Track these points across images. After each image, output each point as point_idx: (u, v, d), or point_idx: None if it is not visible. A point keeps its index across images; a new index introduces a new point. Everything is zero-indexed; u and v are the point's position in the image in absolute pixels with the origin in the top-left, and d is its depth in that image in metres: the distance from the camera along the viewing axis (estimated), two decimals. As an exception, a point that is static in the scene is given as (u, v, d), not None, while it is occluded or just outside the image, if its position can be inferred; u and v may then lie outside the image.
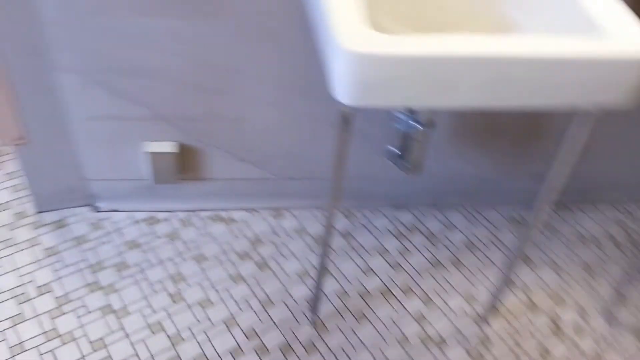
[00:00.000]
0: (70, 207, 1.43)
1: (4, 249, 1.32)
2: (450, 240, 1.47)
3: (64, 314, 1.22)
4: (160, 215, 1.45)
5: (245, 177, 1.43)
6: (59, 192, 1.39)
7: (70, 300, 1.24)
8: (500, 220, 1.53)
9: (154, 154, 1.32)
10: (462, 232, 1.49)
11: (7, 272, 1.27)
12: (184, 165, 1.39)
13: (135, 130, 1.30)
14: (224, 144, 1.36)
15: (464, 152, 1.44)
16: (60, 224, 1.39)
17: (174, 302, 1.27)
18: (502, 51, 0.78)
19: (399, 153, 1.23)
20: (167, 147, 1.32)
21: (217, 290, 1.30)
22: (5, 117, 1.21)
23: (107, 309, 1.24)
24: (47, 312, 1.22)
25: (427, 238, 1.47)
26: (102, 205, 1.44)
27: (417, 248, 1.44)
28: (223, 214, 1.47)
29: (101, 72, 1.19)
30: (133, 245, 1.37)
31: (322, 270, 1.20)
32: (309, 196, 1.49)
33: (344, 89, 0.80)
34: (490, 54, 0.78)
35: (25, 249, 1.33)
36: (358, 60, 0.76)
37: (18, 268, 1.29)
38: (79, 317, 1.22)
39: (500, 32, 0.98)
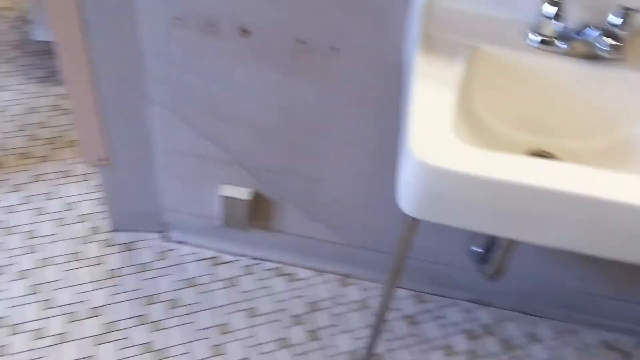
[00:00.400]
0: (142, 231, 1.43)
1: (70, 261, 1.34)
2: (529, 355, 1.29)
3: (106, 342, 1.20)
4: (226, 257, 1.40)
5: (316, 237, 1.36)
6: (134, 214, 1.39)
7: (116, 329, 1.23)
8: (594, 343, 1.33)
9: (227, 198, 1.28)
10: (545, 349, 1.30)
11: (67, 287, 1.29)
12: (256, 213, 1.34)
13: (214, 171, 1.27)
14: (299, 201, 1.29)
15: (564, 260, 1.25)
16: (129, 247, 1.39)
17: (214, 354, 1.21)
18: (610, 193, 0.63)
19: (481, 253, 1.09)
20: (241, 193, 1.28)
21: (259, 352, 1.23)
22: (91, 138, 1.22)
23: (148, 347, 1.21)
24: (92, 337, 1.21)
25: (503, 346, 1.30)
26: (173, 235, 1.42)
27: (489, 355, 1.28)
28: (288, 269, 1.40)
29: (190, 111, 1.17)
30: (191, 283, 1.34)
31: (369, 358, 1.09)
32: (380, 269, 1.38)
33: (407, 198, 0.69)
34: (594, 194, 0.63)
35: (90, 266, 1.34)
36: (426, 173, 0.66)
37: (78, 285, 1.30)
38: (119, 349, 1.20)
39: (622, 161, 0.82)
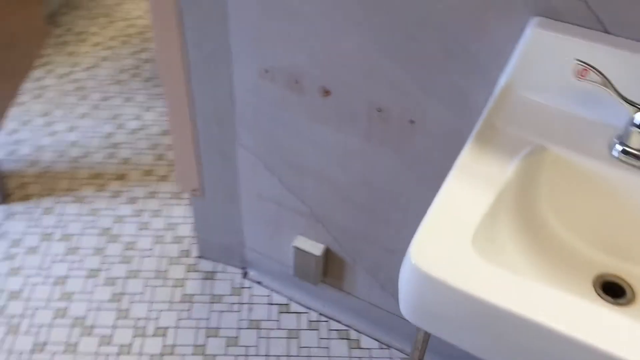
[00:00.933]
0: (225, 264, 1.48)
1: (154, 278, 1.43)
2: None
3: (159, 364, 1.26)
4: (295, 306, 1.39)
5: (385, 307, 1.29)
6: (219, 246, 1.45)
7: (173, 354, 1.28)
8: None
9: (299, 249, 1.28)
10: None
11: (143, 302, 1.38)
12: (327, 270, 1.31)
13: (291, 220, 1.28)
14: (370, 268, 1.25)
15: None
16: (208, 276, 1.45)
17: (254, 404, 1.20)
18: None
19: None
20: (313, 248, 1.26)
21: (297, 415, 1.19)
22: (187, 169, 1.30)
23: (195, 379, 1.24)
24: (150, 355, 1.27)
25: None
26: (251, 273, 1.45)
27: None
28: (353, 334, 1.35)
29: (274, 160, 1.20)
30: (254, 325, 1.35)
31: None
32: (449, 358, 1.27)
33: (404, 301, 0.63)
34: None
35: (170, 286, 1.42)
36: (419, 280, 0.59)
37: (154, 302, 1.38)
38: (168, 374, 1.24)
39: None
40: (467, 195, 0.67)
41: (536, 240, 0.75)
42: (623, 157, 0.72)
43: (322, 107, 1.06)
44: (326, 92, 1.04)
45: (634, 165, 0.71)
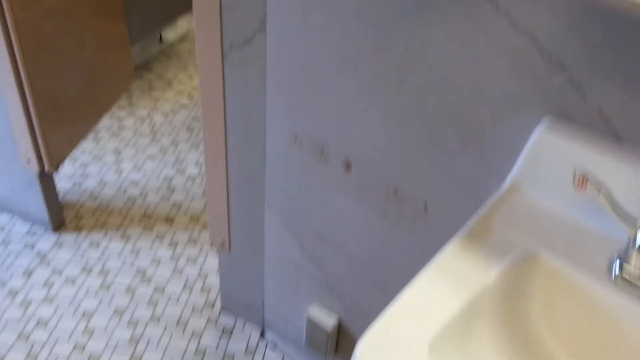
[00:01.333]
0: (245, 319, 1.47)
1: (175, 325, 1.45)
2: None
3: (158, 414, 1.26)
4: (306, 377, 1.36)
5: (393, 394, 1.22)
6: (241, 301, 1.45)
7: (174, 406, 1.28)
8: None
9: (311, 321, 1.25)
10: None
11: (158, 348, 1.39)
12: (339, 345, 1.27)
13: (309, 287, 1.26)
14: (381, 349, 1.19)
15: None
16: (226, 330, 1.45)
17: None
18: None
19: None
20: (325, 321, 1.23)
21: None
22: (218, 222, 1.33)
23: None
24: (150, 403, 1.28)
25: None
26: (268, 334, 1.44)
27: None
28: (358, 416, 1.28)
29: (296, 225, 1.20)
30: (261, 390, 1.32)
31: None
32: None
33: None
34: None
35: (187, 336, 1.43)
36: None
37: (167, 350, 1.39)
38: None
39: None
40: (437, 295, 0.64)
41: (522, 352, 0.69)
42: (621, 280, 0.65)
43: (344, 180, 1.05)
44: (348, 166, 1.03)
45: (626, 289, 0.64)
